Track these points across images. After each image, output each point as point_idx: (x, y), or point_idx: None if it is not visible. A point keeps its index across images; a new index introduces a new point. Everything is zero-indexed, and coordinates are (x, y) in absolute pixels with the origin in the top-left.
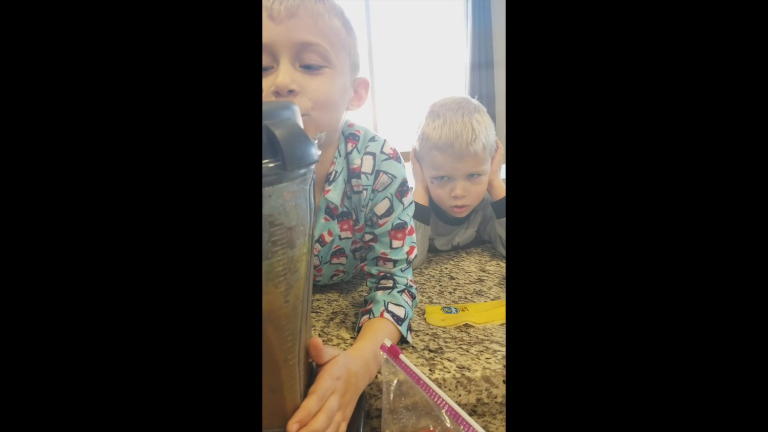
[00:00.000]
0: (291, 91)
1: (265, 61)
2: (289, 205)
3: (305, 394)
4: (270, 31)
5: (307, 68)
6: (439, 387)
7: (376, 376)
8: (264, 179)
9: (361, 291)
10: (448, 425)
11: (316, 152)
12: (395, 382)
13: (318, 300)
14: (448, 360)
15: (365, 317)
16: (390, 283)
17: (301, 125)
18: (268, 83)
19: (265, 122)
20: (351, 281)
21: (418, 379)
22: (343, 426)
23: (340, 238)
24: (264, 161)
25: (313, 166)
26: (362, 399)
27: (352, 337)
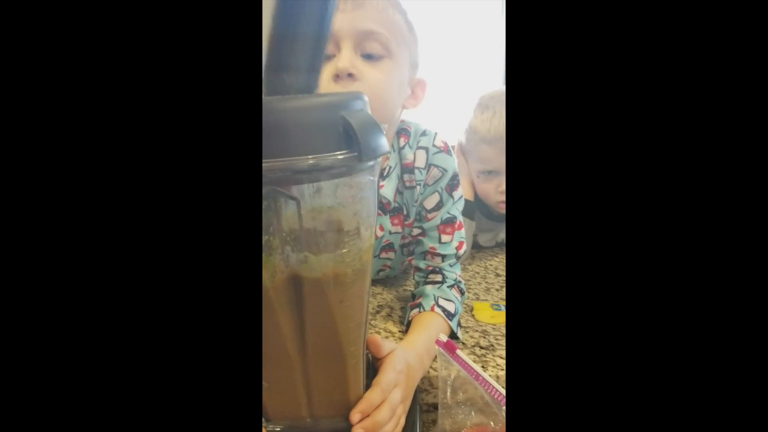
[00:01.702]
0: (350, 75)
1: (328, 49)
2: (359, 196)
3: (367, 386)
4: (335, 20)
5: (368, 57)
6: None
7: (428, 370)
8: (336, 171)
9: (406, 285)
10: None
11: (387, 143)
12: (450, 377)
13: None
14: (501, 357)
15: (415, 311)
16: (439, 278)
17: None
18: (328, 71)
19: (341, 113)
20: (395, 276)
21: (477, 375)
22: (403, 419)
23: (391, 233)
24: (337, 153)
25: (380, 159)
26: (417, 393)
27: (400, 331)
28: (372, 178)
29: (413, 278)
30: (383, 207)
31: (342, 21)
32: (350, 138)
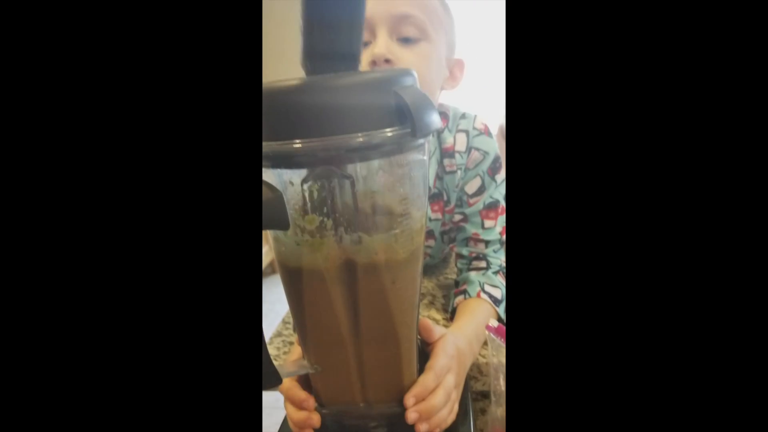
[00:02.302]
0: (387, 61)
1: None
2: (410, 175)
3: (419, 371)
4: (369, 6)
5: (404, 41)
6: None
7: (477, 358)
8: (386, 148)
9: (447, 273)
10: None
11: (439, 119)
12: (502, 363)
13: None
14: None
15: (459, 297)
16: (483, 264)
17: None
18: (365, 57)
19: (393, 88)
20: (435, 264)
21: None
22: (457, 405)
23: (430, 220)
24: (387, 129)
25: (430, 137)
26: (467, 380)
27: (444, 318)
28: (423, 157)
29: (456, 265)
30: None
31: (376, 6)
32: (402, 114)
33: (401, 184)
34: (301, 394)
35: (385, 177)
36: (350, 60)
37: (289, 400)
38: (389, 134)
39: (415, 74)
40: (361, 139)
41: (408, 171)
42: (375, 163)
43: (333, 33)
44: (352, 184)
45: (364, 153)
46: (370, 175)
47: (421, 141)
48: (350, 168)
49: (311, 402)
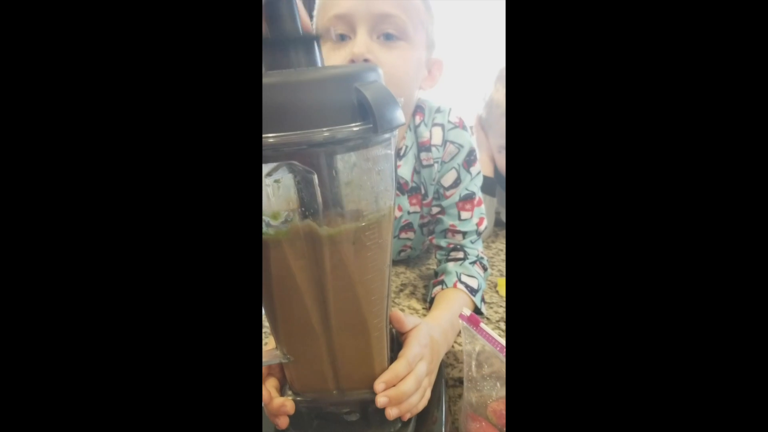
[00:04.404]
0: (366, 60)
1: (343, 30)
2: (375, 170)
3: (390, 360)
4: (350, 2)
5: (384, 40)
6: None
7: (453, 345)
8: (351, 143)
9: (429, 264)
10: None
11: (402, 115)
12: (475, 351)
13: None
14: None
15: (437, 288)
16: (461, 255)
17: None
18: (344, 53)
19: (355, 84)
20: (417, 255)
21: (502, 348)
22: (429, 391)
23: (409, 213)
24: (352, 125)
25: (396, 132)
26: (441, 367)
27: (423, 308)
28: (388, 151)
29: (435, 257)
30: (401, 187)
31: (358, 3)
32: (365, 110)
33: (368, 177)
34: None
35: (350, 171)
36: (299, 44)
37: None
38: (354, 129)
39: (380, 70)
40: (325, 134)
41: (373, 165)
42: (340, 157)
43: (271, 21)
44: (316, 178)
45: (329, 148)
46: (334, 169)
47: (386, 136)
48: (315, 162)
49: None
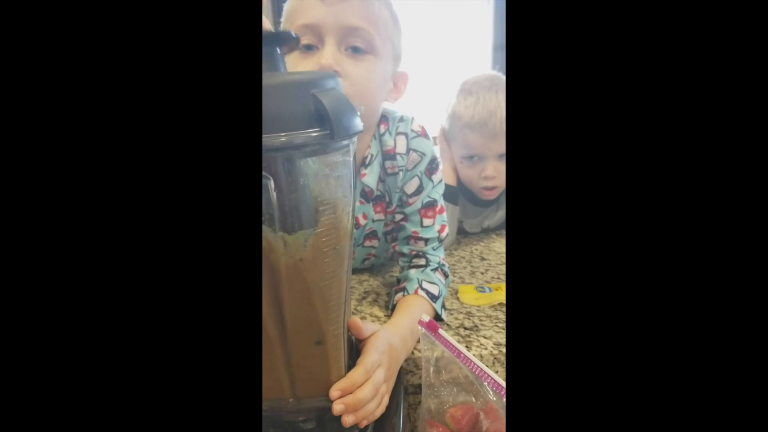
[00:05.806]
0: (333, 72)
1: (310, 40)
2: (333, 176)
3: (349, 368)
4: (319, 12)
5: (352, 52)
6: None
7: (413, 352)
8: (309, 149)
9: (392, 272)
10: (491, 398)
11: (360, 123)
12: (434, 357)
13: None
14: (485, 337)
15: (399, 295)
16: (422, 262)
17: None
18: (311, 63)
19: (312, 91)
20: (381, 263)
21: (459, 353)
22: (386, 398)
23: (374, 221)
24: (310, 130)
25: (355, 139)
26: (401, 374)
27: (385, 315)
28: (347, 158)
29: (398, 263)
30: (366, 195)
31: (327, 14)
32: (322, 117)
33: (326, 184)
34: None
35: (307, 176)
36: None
37: None
38: (312, 135)
39: (339, 78)
40: (283, 139)
41: (331, 171)
42: (297, 163)
43: None
44: (272, 183)
45: (286, 153)
46: (292, 174)
47: (344, 142)
48: (272, 167)
49: None
